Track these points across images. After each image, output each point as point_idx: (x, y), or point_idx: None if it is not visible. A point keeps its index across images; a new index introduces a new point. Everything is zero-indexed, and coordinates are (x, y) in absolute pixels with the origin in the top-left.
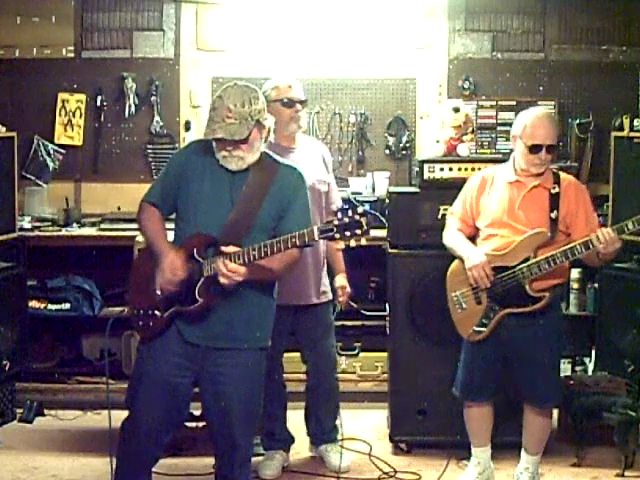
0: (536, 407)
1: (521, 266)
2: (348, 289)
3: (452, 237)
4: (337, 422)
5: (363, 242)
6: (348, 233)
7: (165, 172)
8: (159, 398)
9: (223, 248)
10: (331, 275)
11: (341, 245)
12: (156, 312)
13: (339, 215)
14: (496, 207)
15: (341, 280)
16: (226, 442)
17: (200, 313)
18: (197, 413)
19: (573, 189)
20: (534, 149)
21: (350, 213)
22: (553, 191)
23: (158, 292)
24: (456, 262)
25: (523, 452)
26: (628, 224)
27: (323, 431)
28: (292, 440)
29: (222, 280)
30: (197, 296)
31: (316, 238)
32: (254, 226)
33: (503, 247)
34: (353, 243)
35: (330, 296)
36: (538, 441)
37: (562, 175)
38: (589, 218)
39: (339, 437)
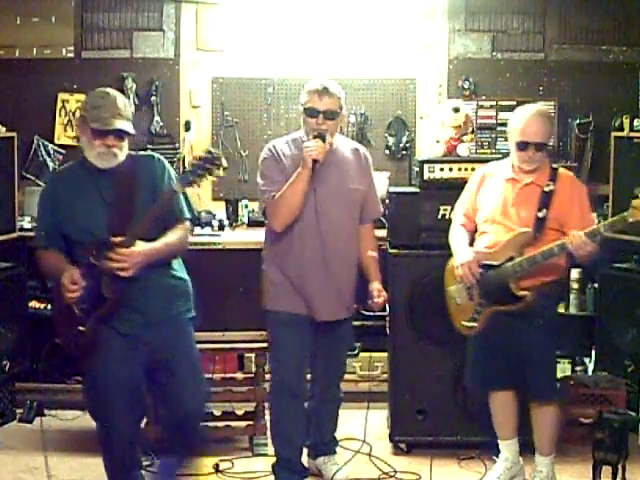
0: (534, 402)
1: (506, 265)
2: (385, 293)
3: (452, 234)
4: (335, 434)
5: (221, 173)
6: (208, 166)
7: (42, 213)
8: (120, 398)
9: (112, 239)
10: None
11: (375, 253)
12: (80, 328)
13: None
14: (491, 204)
15: (377, 285)
16: (193, 402)
17: (115, 308)
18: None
19: (568, 187)
20: (521, 146)
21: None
22: (546, 189)
23: (75, 310)
24: (452, 258)
25: (536, 454)
26: (600, 228)
27: (322, 441)
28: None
29: (119, 272)
30: (105, 295)
31: (177, 189)
32: (136, 216)
33: (493, 245)
34: (221, 173)
35: (352, 311)
36: (545, 439)
37: (560, 171)
38: (584, 217)
39: (337, 450)
